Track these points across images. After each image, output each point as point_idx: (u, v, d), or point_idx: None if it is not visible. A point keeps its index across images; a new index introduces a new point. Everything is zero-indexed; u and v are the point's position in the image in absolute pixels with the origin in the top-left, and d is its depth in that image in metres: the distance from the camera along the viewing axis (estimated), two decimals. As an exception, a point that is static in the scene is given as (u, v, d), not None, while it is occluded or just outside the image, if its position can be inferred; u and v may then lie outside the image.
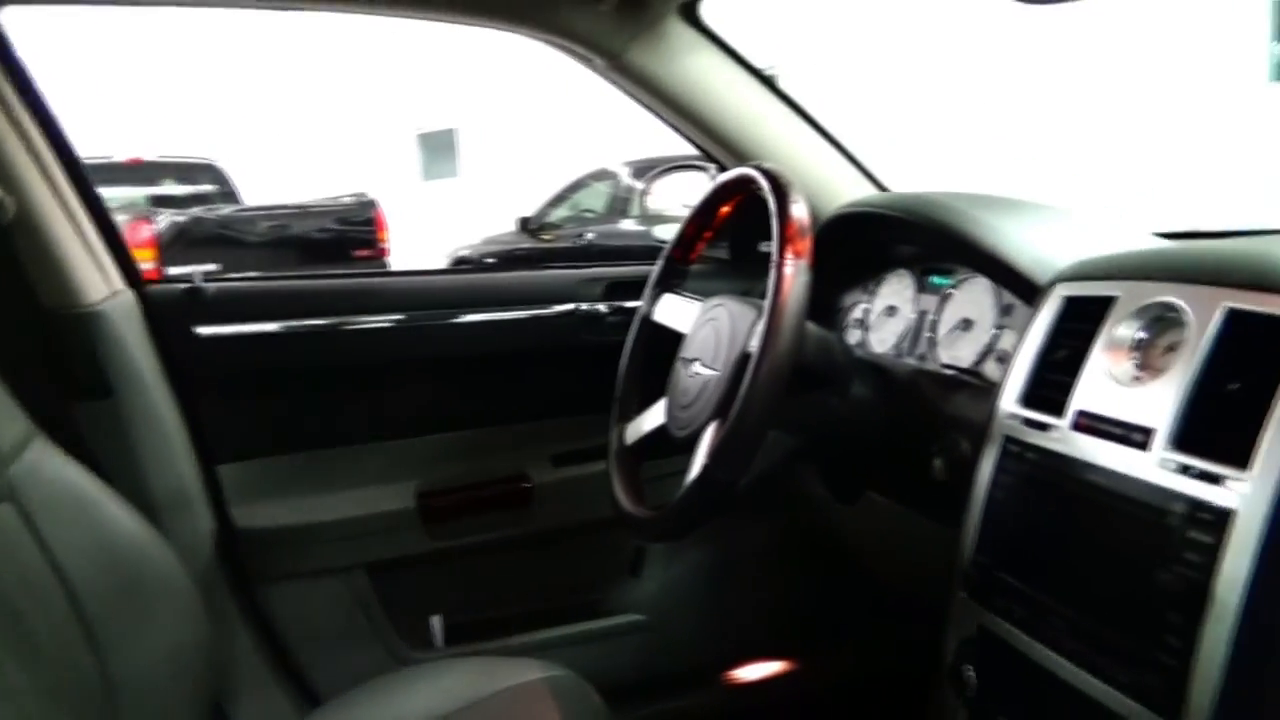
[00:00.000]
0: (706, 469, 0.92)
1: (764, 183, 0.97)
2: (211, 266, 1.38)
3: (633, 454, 1.16)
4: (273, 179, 11.45)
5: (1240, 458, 0.62)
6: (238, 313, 1.34)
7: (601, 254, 6.89)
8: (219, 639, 1.20)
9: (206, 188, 8.20)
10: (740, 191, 1.10)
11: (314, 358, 1.38)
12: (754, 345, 0.93)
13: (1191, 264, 0.74)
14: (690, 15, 1.26)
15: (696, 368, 1.04)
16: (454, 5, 1.19)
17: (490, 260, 7.92)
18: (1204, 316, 0.69)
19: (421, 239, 10.15)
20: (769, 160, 1.30)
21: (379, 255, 8.04)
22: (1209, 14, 7.28)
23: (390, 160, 13.93)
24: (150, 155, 7.92)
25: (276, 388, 1.39)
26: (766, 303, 0.89)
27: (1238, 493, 0.62)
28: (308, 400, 1.41)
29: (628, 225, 7.07)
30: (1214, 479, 0.64)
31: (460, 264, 8.10)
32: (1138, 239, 1.03)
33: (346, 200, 8.24)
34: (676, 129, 1.38)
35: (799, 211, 0.92)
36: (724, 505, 0.93)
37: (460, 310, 1.43)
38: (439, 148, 14.04)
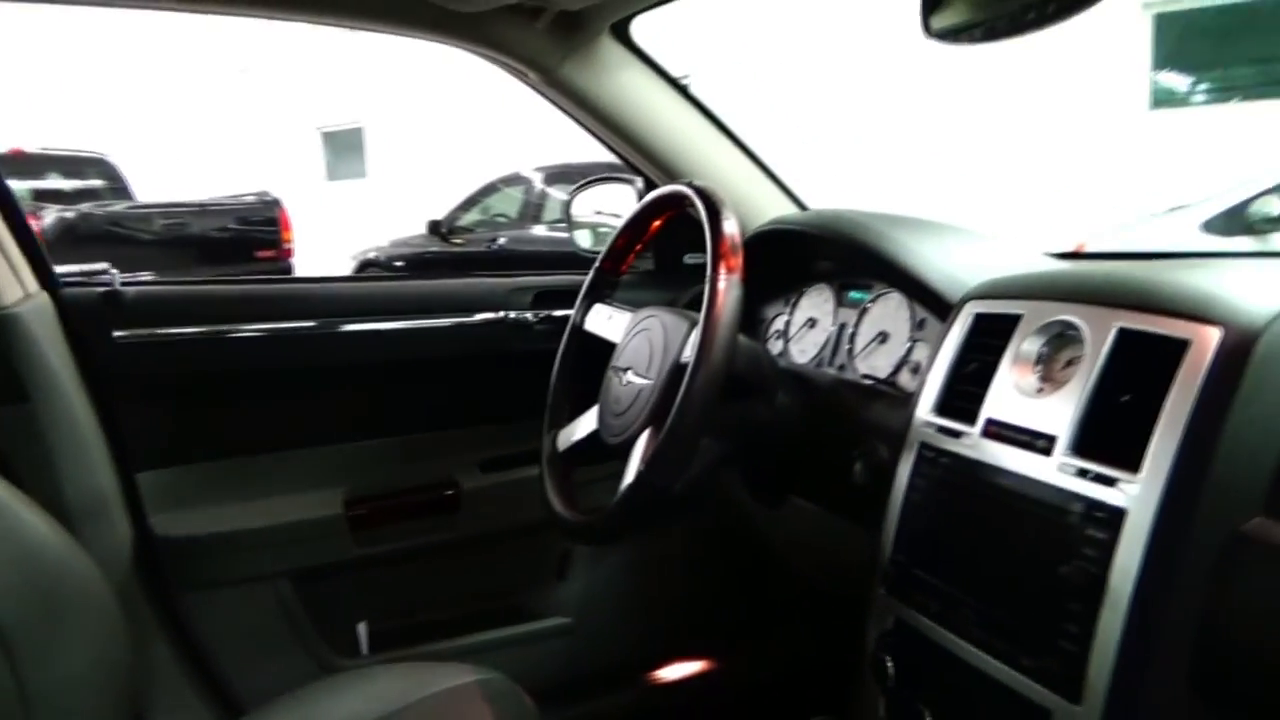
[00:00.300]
0: (642, 474, 0.95)
1: (698, 201, 1.01)
2: (101, 266, 1.34)
3: (565, 460, 1.18)
4: (168, 176, 11.02)
5: (1131, 462, 0.69)
6: (158, 316, 1.31)
7: (514, 259, 6.86)
8: (139, 650, 1.18)
9: (96, 183, 7.84)
10: (673, 207, 1.14)
11: (237, 363, 1.36)
12: (687, 355, 0.97)
13: (1088, 287, 0.81)
14: (622, 35, 1.30)
15: (629, 376, 1.08)
16: (391, 17, 1.20)
17: (399, 263, 7.80)
18: (1099, 335, 0.76)
19: (326, 240, 9.92)
20: (696, 177, 1.35)
21: (283, 256, 7.83)
22: (1096, 45, 7.72)
23: (293, 159, 13.56)
24: (33, 147, 7.53)
25: (198, 394, 1.37)
26: (701, 316, 0.94)
27: (1129, 494, 0.69)
28: (230, 407, 1.39)
29: (540, 231, 7.07)
30: (1108, 481, 0.70)
31: (366, 266, 7.95)
32: (1033, 259, 1.12)
33: (248, 199, 8.00)
34: (605, 143, 1.41)
35: (731, 229, 0.97)
36: (659, 509, 0.97)
37: (389, 317, 1.43)
38: (344, 147, 13.74)
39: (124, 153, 8.32)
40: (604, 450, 1.11)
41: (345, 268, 8.11)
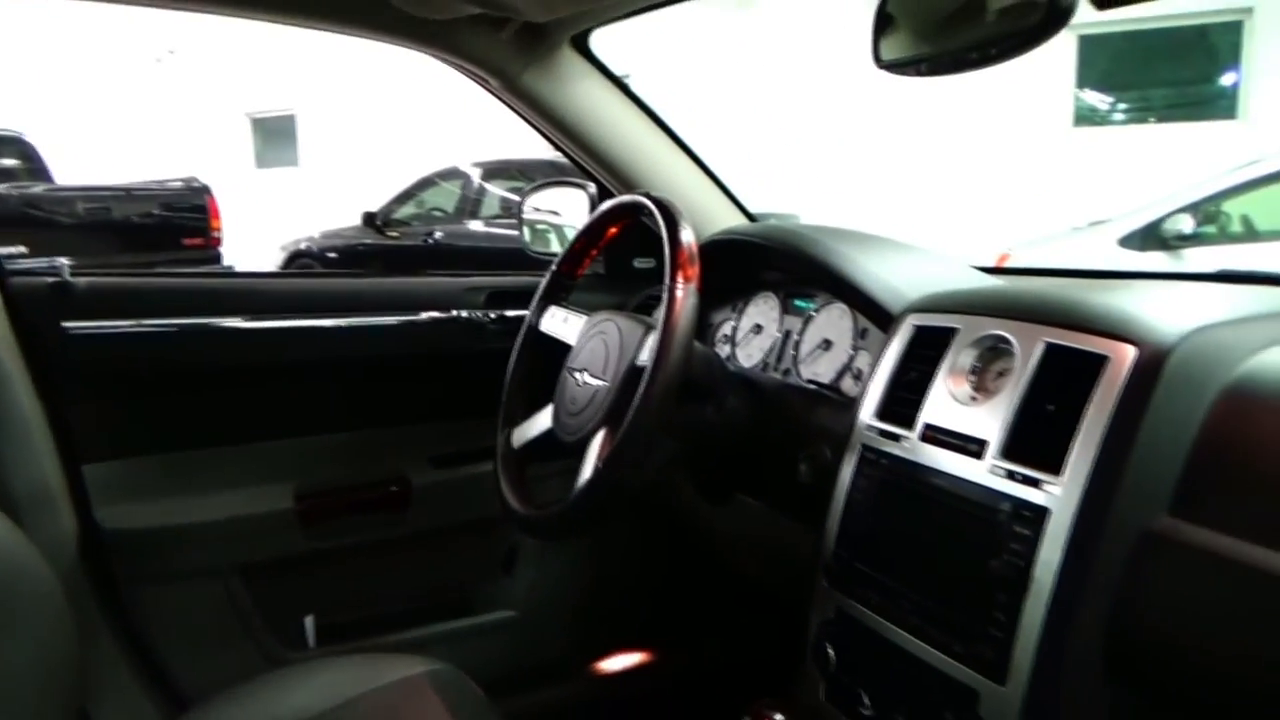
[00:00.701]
0: (600, 472, 0.99)
1: (656, 212, 1.06)
2: (18, 249, 1.33)
3: (520, 456, 1.22)
4: (90, 159, 10.64)
5: (1054, 466, 0.76)
6: (108, 309, 1.31)
7: (451, 255, 6.82)
8: (84, 643, 1.18)
9: (10, 162, 7.52)
10: (630, 216, 1.18)
11: (187, 357, 1.36)
12: (643, 359, 1.01)
13: (1019, 304, 0.88)
14: (581, 46, 1.34)
15: (585, 377, 1.12)
16: (357, 20, 1.22)
17: (331, 255, 7.68)
18: (1028, 348, 0.83)
19: (256, 229, 9.70)
20: (650, 186, 1.40)
21: (211, 245, 7.63)
22: (1026, 61, 8.00)
23: (221, 145, 13.20)
24: (-60, 126, 7.21)
25: (147, 386, 1.36)
26: (659, 322, 0.98)
27: (1051, 494, 0.75)
28: (180, 400, 1.39)
29: (477, 227, 7.03)
30: (1033, 483, 0.77)
31: (297, 257, 7.80)
32: (966, 274, 1.19)
33: (175, 185, 7.76)
34: (562, 149, 1.45)
35: (689, 239, 1.01)
36: (615, 506, 1.01)
37: (341, 314, 1.45)
38: (275, 134, 13.44)
39: (43, 134, 8.00)
40: (558, 448, 1.14)
41: (275, 258, 7.95)
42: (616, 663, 1.64)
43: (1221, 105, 8.22)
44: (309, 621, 1.45)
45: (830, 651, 0.94)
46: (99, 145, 12.17)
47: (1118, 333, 0.77)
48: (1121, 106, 8.87)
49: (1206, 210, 5.12)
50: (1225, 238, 5.12)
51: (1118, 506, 0.72)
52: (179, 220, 7.50)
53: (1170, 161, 7.42)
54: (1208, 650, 0.67)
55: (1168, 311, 0.79)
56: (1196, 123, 8.19)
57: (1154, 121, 8.62)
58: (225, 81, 12.98)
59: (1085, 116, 8.78)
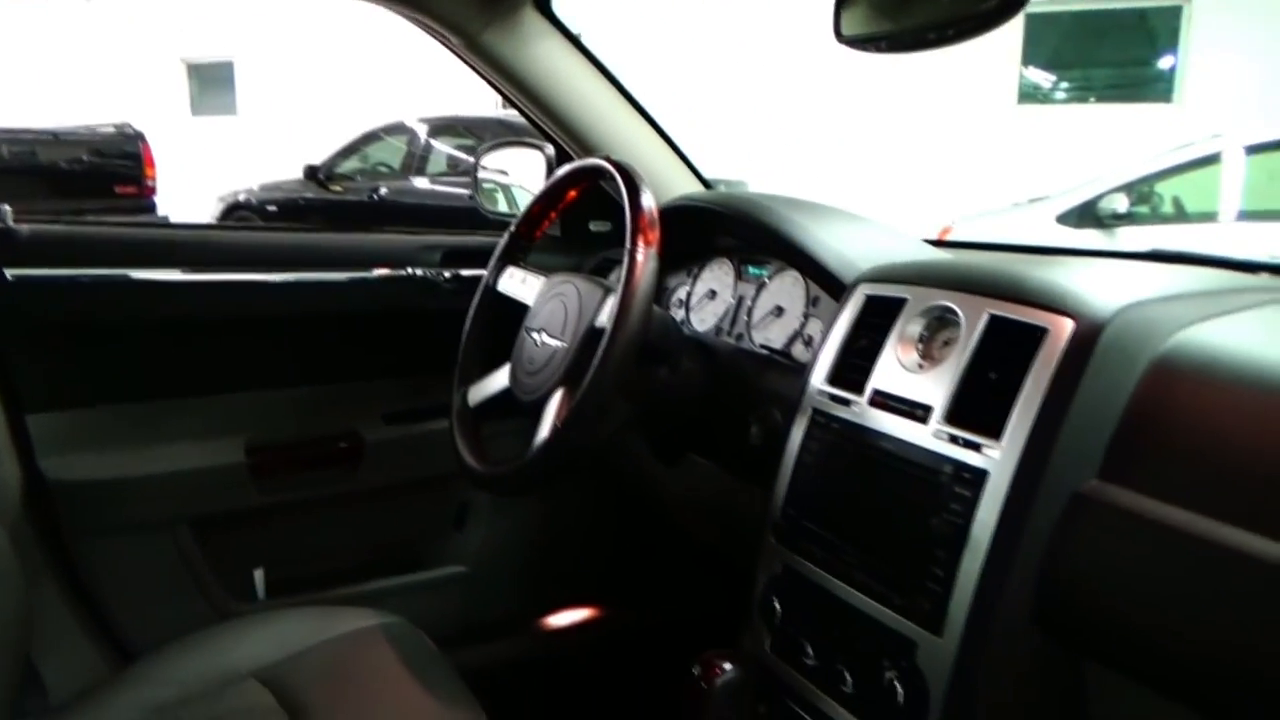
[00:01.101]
0: (558, 431, 1.01)
1: (618, 176, 1.07)
2: None
3: (476, 415, 1.23)
4: (12, 101, 10.18)
5: (994, 430, 0.80)
6: (54, 257, 1.28)
7: (396, 211, 6.72)
8: (29, 593, 1.17)
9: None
10: (590, 179, 1.19)
11: (135, 308, 1.34)
12: (602, 321, 1.03)
13: (967, 276, 0.92)
14: (543, 7, 1.34)
15: (543, 338, 1.13)
16: None
17: (271, 208, 7.50)
18: (973, 319, 0.87)
19: (192, 179, 9.41)
20: (610, 150, 1.41)
21: (145, 194, 7.41)
22: (970, 43, 8.11)
23: (154, 91, 12.73)
24: None
25: (94, 337, 1.34)
26: (619, 285, 1.00)
27: (991, 458, 0.80)
28: (128, 352, 1.37)
29: (424, 184, 6.93)
30: (974, 446, 0.81)
31: (234, 209, 7.61)
32: (915, 246, 1.23)
33: (106, 130, 7.51)
34: (522, 110, 1.45)
35: (650, 204, 1.03)
36: (571, 464, 1.04)
37: (294, 268, 1.44)
38: (212, 81, 13.00)
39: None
40: (514, 407, 1.16)
41: (212, 209, 7.74)
42: (566, 618, 1.67)
43: (1159, 88, 8.44)
44: (258, 574, 1.46)
45: (776, 605, 0.98)
46: (23, 87, 11.65)
47: (1057, 306, 0.81)
48: (1064, 85, 9.06)
49: (1140, 190, 5.29)
50: (1157, 218, 5.30)
51: (1052, 469, 0.76)
52: (111, 167, 7.27)
53: (1109, 141, 7.62)
54: (1127, 602, 0.72)
55: (1104, 288, 0.83)
56: (1135, 104, 8.41)
57: (1095, 101, 8.83)
58: (159, 25, 12.49)
59: (1029, 94, 8.95)
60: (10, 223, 1.24)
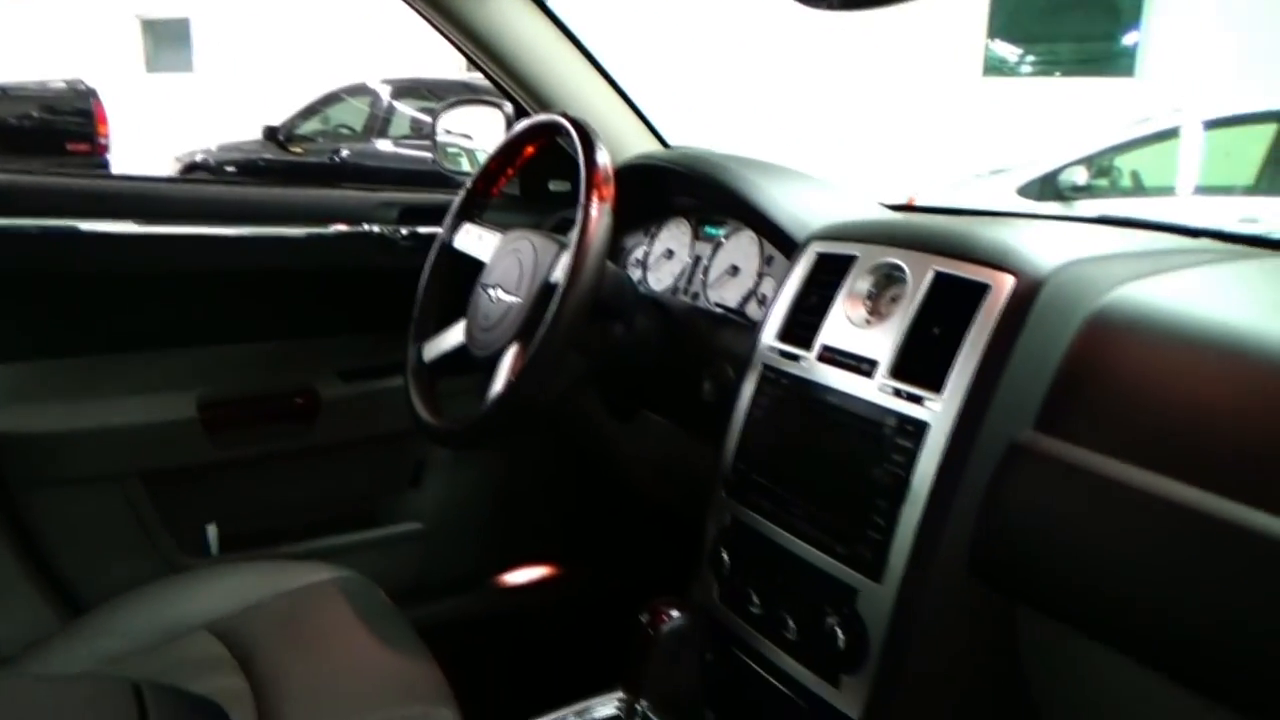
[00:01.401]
0: (512, 384, 1.02)
1: (573, 132, 1.07)
2: None
3: (431, 370, 1.23)
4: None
5: (936, 384, 0.82)
6: None
7: (358, 174, 6.63)
8: None
9: None
10: (546, 136, 1.19)
11: (84, 261, 1.32)
12: (557, 276, 1.04)
13: (914, 234, 0.93)
14: (503, -39, 1.32)
15: (498, 294, 1.13)
16: None
17: (230, 169, 7.36)
18: (919, 276, 0.88)
19: (147, 138, 9.19)
20: (568, 107, 1.40)
21: (98, 152, 7.24)
22: (936, 10, 8.13)
23: (107, 47, 12.37)
24: None
25: (41, 289, 1.32)
26: (573, 241, 1.00)
27: (932, 410, 0.82)
28: (76, 304, 1.35)
29: (386, 147, 6.84)
30: (917, 399, 0.83)
31: (192, 169, 7.46)
32: (871, 208, 1.25)
33: (57, 86, 7.31)
34: (480, 67, 1.43)
35: (604, 161, 1.03)
36: (524, 418, 1.05)
37: (249, 223, 1.42)
38: (168, 37, 12.67)
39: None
40: (469, 363, 1.16)
41: (169, 168, 7.59)
42: (523, 576, 1.69)
43: (1122, 63, 8.52)
44: (211, 530, 1.45)
45: (725, 556, 1.00)
46: (-30, 38, 11.27)
47: (999, 263, 0.83)
48: (1029, 59, 9.11)
49: (1100, 164, 5.35)
50: (1116, 191, 5.38)
51: (989, 421, 0.78)
52: (62, 124, 7.09)
53: (1073, 115, 7.69)
54: (1059, 548, 0.74)
55: (1045, 246, 0.85)
56: (1098, 78, 8.48)
57: (1059, 75, 8.90)
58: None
59: (995, 67, 9.00)
60: None
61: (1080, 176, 5.20)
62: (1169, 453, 0.70)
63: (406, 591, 1.51)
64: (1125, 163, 5.44)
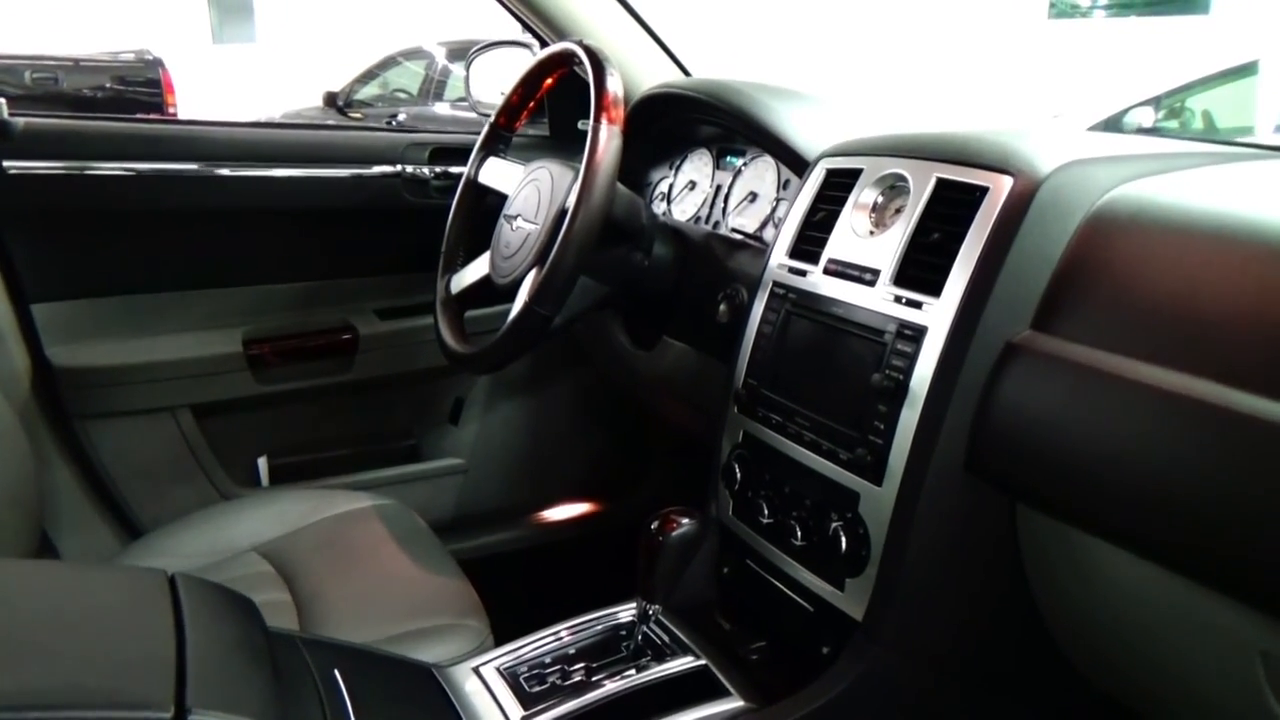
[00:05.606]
0: (527, 304, 1.05)
1: (584, 57, 1.09)
2: None
3: (458, 301, 1.27)
4: (30, 28, 10.19)
5: (934, 289, 0.82)
6: (50, 150, 1.32)
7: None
8: (42, 471, 1.24)
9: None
10: (562, 65, 1.20)
11: (134, 202, 1.38)
12: (571, 201, 1.06)
13: (917, 143, 0.93)
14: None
15: (519, 223, 1.16)
16: None
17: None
18: (921, 183, 0.88)
19: (213, 107, 9.40)
20: (589, 38, 1.41)
21: (166, 121, 7.43)
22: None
23: (175, 18, 12.65)
24: None
25: (93, 230, 1.39)
26: (583, 164, 1.02)
27: (930, 314, 0.82)
28: (126, 245, 1.42)
29: (443, 110, 6.88)
30: (916, 305, 0.84)
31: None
32: (889, 123, 1.23)
33: (127, 57, 7.50)
34: (506, 5, 1.45)
35: (614, 84, 1.05)
36: (540, 337, 1.07)
37: (287, 163, 1.46)
38: (233, 8, 12.90)
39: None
40: (494, 292, 1.19)
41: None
42: (559, 511, 1.73)
43: (1197, 2, 8.13)
44: (262, 462, 1.52)
45: (737, 471, 1.02)
46: (46, 15, 11.63)
47: (998, 165, 0.82)
48: (1103, 0, 8.75)
49: (1169, 105, 5.12)
50: (1186, 133, 5.15)
51: (985, 321, 0.78)
52: (131, 94, 7.27)
53: (1145, 57, 7.37)
54: (1054, 443, 0.75)
55: (1045, 148, 0.84)
56: (1171, 17, 8.11)
57: (1136, 15, 8.52)
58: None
59: (1064, 10, 8.66)
60: (5, 115, 1.27)
61: (1146, 118, 4.98)
62: (1164, 342, 0.69)
63: (448, 524, 1.57)
64: (1197, 104, 5.20)
